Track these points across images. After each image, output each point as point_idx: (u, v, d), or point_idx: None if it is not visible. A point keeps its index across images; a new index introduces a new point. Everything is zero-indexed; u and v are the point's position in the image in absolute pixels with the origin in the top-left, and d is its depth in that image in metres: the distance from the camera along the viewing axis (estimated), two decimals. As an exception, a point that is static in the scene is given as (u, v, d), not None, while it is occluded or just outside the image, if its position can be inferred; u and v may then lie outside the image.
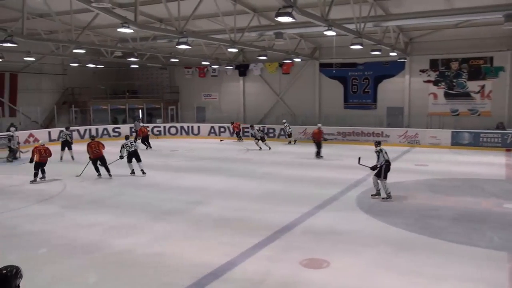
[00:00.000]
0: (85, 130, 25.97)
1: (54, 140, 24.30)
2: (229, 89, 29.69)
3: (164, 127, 28.18)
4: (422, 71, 23.65)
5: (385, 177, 11.22)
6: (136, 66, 28.97)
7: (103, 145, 14.93)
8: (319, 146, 18.57)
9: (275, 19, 11.50)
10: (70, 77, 28.39)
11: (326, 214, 10.14)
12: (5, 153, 18.62)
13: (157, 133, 27.55)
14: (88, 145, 14.83)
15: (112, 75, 30.72)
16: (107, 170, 14.64)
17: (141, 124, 24.63)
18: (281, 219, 9.58)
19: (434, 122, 23.23)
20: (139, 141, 21.72)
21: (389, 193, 11.22)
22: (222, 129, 27.19)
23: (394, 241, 8.23)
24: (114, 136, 26.26)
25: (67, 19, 16.71)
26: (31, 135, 23.25)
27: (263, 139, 21.61)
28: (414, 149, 21.44)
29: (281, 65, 27.15)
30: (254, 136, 22.04)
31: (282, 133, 24.78)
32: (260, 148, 21.27)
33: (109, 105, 28.71)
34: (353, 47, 16.68)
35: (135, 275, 6.86)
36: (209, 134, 27.47)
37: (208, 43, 22.65)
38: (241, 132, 25.64)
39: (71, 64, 25.05)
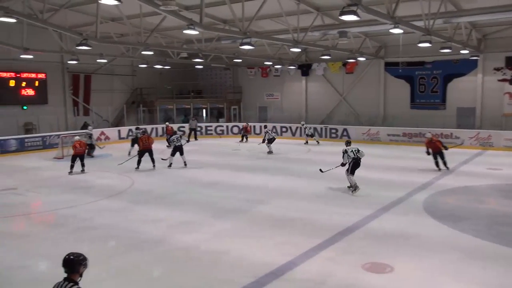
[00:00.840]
0: (152, 128, 27.01)
1: (123, 138, 25.55)
2: (291, 89, 29.63)
3: (227, 126, 28.65)
4: (497, 69, 22.27)
5: (352, 173, 12.20)
6: (201, 66, 29.70)
7: (152, 140, 16.91)
8: (441, 156, 15.09)
9: (339, 17, 11.30)
10: (139, 77, 29.67)
11: (390, 217, 9.84)
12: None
13: (220, 132, 28.08)
14: (140, 138, 16.74)
15: (178, 76, 31.69)
16: (153, 161, 16.25)
17: (196, 122, 25.75)
18: (343, 220, 9.42)
19: (510, 124, 21.80)
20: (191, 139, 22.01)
21: (355, 184, 12.08)
22: (284, 129, 27.18)
23: (462, 248, 7.82)
24: (179, 134, 27.04)
25: (136, 22, 17.44)
26: (102, 133, 24.52)
27: (271, 141, 20.52)
28: (487, 152, 20.23)
29: (345, 64, 26.68)
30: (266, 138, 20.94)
31: (306, 133, 24.34)
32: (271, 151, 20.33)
33: (175, 104, 29.64)
34: (421, 45, 16.03)
35: (197, 271, 7.01)
36: (270, 134, 27.56)
37: (271, 43, 22.70)
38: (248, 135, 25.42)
39: (140, 66, 26.13)
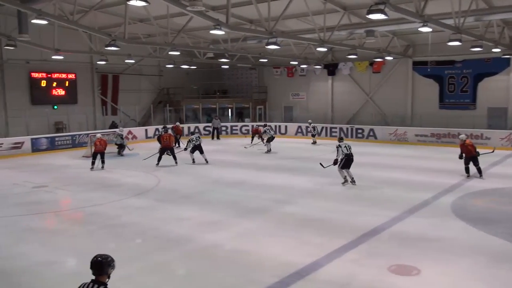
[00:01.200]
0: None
1: (150, 137, 25.92)
2: (317, 89, 29.45)
3: (252, 126, 28.65)
4: (530, 68, 21.64)
5: (346, 167, 12.85)
6: (227, 66, 29.86)
7: (173, 138, 17.78)
8: (474, 162, 13.74)
9: (367, 16, 11.18)
10: (166, 77, 30.04)
11: (416, 220, 9.66)
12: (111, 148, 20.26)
13: (245, 132, 28.15)
14: (161, 136, 17.63)
15: (204, 76, 31.94)
16: (174, 158, 16.91)
17: (219, 122, 25.77)
18: (368, 222, 9.31)
19: (544, 124, 21.14)
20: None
21: (345, 177, 12.97)
22: (309, 129, 27.00)
23: (493, 252, 7.60)
24: (205, 134, 27.30)
25: (164, 23, 17.66)
26: (130, 132, 24.92)
27: (270, 140, 20.62)
28: (519, 153, 19.66)
29: (372, 63, 26.37)
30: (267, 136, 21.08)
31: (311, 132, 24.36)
32: (269, 150, 20.46)
33: (201, 104, 29.89)
34: (450, 43, 15.67)
35: (221, 270, 7.05)
36: (296, 134, 27.46)
37: (297, 43, 22.63)
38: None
39: (167, 66, 26.45)
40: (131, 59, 23.13)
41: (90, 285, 3.93)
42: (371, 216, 9.73)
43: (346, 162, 12.80)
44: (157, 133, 23.01)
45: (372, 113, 26.50)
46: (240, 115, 31.21)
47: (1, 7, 17.02)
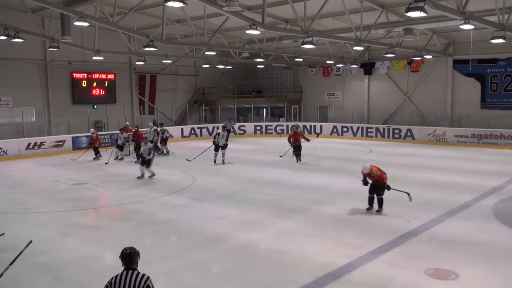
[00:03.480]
0: (213, 127, 27.55)
1: (186, 137, 26.32)
2: (353, 88, 29.08)
3: (287, 125, 28.61)
4: None
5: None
6: (262, 66, 29.91)
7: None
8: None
9: (405, 14, 10.96)
10: (201, 77, 30.40)
11: (456, 222, 9.40)
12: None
13: (280, 131, 28.14)
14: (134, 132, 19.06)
15: (239, 75, 32.13)
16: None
17: (233, 123, 25.28)
18: (406, 224, 9.14)
19: None
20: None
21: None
22: (344, 129, 26.76)
23: (538, 258, 7.32)
24: (239, 133, 27.45)
25: (200, 23, 17.89)
26: (166, 131, 25.33)
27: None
28: None
29: (410, 62, 25.80)
30: None
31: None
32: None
33: (236, 104, 30.08)
34: (493, 41, 15.19)
35: (256, 269, 7.08)
36: (331, 134, 27.20)
37: (333, 42, 22.45)
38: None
39: (203, 66, 26.76)
40: (168, 59, 23.53)
41: (124, 273, 4.16)
42: (410, 218, 9.54)
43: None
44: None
45: (410, 113, 25.94)
46: (294, 117, 30.11)
47: (45, 10, 17.75)
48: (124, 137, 19.06)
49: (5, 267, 5.50)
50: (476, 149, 20.92)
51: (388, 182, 9.99)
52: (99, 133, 20.91)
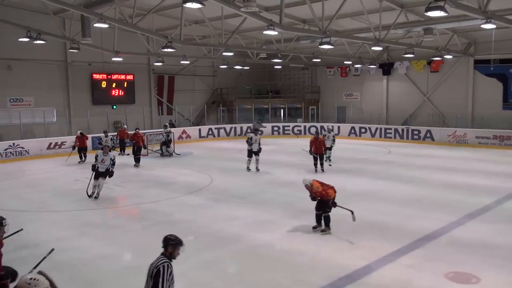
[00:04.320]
0: (231, 128, 27.67)
1: (203, 137, 26.42)
2: (371, 89, 28.81)
3: (305, 126, 28.53)
4: None
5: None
6: (279, 67, 29.85)
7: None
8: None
9: (425, 14, 10.80)
10: (219, 78, 30.49)
11: (477, 225, 9.22)
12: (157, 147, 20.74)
13: (298, 132, 28.05)
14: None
15: (256, 76, 32.13)
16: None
17: (261, 125, 24.43)
18: (425, 226, 8.99)
19: None
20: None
21: None
22: (362, 130, 26.52)
23: (562, 263, 7.12)
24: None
25: (218, 24, 17.92)
26: (184, 131, 25.53)
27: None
28: None
29: (430, 62, 25.43)
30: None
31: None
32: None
33: (253, 104, 30.09)
34: (516, 40, 14.88)
35: (272, 270, 7.06)
36: (349, 135, 26.98)
37: (351, 42, 22.28)
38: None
39: (220, 66, 26.84)
40: (186, 60, 23.66)
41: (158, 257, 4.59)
42: (429, 220, 9.40)
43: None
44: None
45: (430, 114, 25.57)
46: (312, 118, 29.77)
47: (66, 12, 18.02)
48: (111, 139, 18.65)
49: (26, 263, 5.58)
50: (498, 150, 20.52)
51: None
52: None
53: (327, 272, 6.81)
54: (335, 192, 8.90)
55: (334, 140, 17.87)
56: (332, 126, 22.13)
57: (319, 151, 15.36)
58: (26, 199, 12.16)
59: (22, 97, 21.74)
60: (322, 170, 15.42)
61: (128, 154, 19.07)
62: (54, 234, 8.59)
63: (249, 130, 16.94)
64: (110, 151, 12.45)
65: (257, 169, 15.74)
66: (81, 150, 18.69)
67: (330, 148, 17.31)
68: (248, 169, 15.86)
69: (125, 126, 21.47)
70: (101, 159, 11.97)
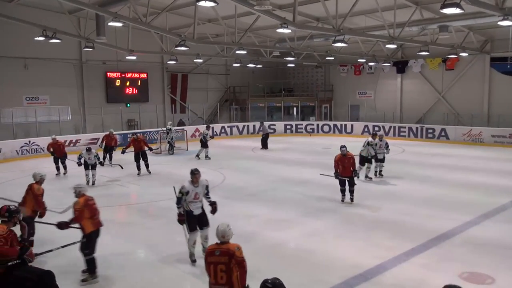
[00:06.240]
0: (244, 126, 27.70)
1: (216, 135, 26.45)
2: (385, 87, 28.59)
3: (317, 125, 28.44)
4: None
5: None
6: (292, 65, 29.79)
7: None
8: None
9: (440, 11, 10.68)
10: (232, 76, 30.55)
11: (493, 225, 9.12)
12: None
13: (310, 130, 27.97)
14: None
15: (269, 74, 32.11)
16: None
17: (267, 127, 23.57)
18: (440, 226, 8.91)
19: None
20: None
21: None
22: (376, 128, 26.28)
23: None
24: (269, 132, 27.36)
25: (231, 22, 17.94)
26: (197, 129, 25.59)
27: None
28: None
29: (445, 60, 25.15)
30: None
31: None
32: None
33: (266, 102, 30.06)
34: (534, 38, 14.64)
35: (286, 268, 7.05)
36: (362, 133, 26.76)
37: (365, 40, 22.13)
38: None
39: (233, 65, 26.88)
40: (200, 59, 23.74)
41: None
42: (445, 220, 9.32)
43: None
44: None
45: (444, 113, 25.30)
46: (325, 116, 29.63)
47: (81, 11, 18.21)
48: (94, 156, 13.80)
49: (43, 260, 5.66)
50: (515, 149, 20.23)
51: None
52: (132, 131, 21.22)
53: (341, 271, 6.80)
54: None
55: (387, 147, 14.29)
56: (379, 128, 23.14)
57: (348, 174, 10.99)
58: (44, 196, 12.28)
59: (38, 95, 22.03)
60: (351, 199, 11.03)
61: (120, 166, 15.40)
62: (71, 231, 8.67)
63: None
64: (96, 164, 13.79)
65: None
66: (107, 149, 17.06)
67: (382, 160, 14.22)
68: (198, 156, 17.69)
69: (111, 130, 17.94)
70: (87, 158, 13.57)
